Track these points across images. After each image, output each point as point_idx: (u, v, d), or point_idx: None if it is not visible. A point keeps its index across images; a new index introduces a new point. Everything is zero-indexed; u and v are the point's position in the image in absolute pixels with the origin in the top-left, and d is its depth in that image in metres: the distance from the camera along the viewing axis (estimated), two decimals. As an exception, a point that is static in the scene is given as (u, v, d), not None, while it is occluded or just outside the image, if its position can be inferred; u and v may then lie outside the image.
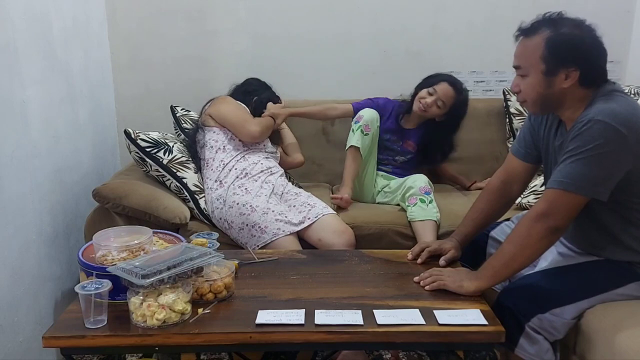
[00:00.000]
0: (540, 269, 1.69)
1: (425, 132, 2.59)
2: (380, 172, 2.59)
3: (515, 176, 1.85)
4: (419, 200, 2.31)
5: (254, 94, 2.59)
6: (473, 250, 1.88)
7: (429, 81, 2.53)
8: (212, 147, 2.38)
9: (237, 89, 2.63)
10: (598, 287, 1.59)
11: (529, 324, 1.54)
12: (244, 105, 2.51)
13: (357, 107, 2.56)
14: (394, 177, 2.57)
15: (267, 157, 2.43)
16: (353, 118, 2.51)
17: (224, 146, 2.37)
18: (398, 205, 2.46)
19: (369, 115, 2.46)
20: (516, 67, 1.61)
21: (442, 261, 1.78)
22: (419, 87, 2.54)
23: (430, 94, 2.48)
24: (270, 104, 2.53)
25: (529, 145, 1.80)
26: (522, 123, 2.10)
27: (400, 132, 2.59)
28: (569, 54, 1.53)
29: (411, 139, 2.60)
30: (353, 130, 2.47)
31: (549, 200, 1.53)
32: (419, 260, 1.82)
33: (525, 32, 1.58)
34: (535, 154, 1.80)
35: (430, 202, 2.31)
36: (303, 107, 2.64)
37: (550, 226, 1.52)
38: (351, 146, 2.45)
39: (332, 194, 2.64)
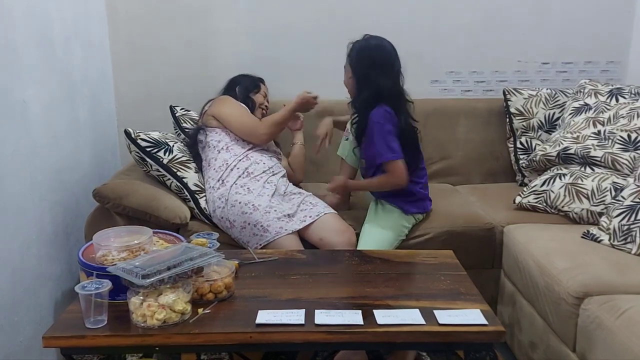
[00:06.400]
0: None
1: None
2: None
3: None
4: None
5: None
6: None
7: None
8: (214, 147, 2.37)
9: (226, 90, 2.60)
10: None
11: None
12: (244, 106, 2.51)
13: None
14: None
15: (270, 157, 2.43)
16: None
17: (227, 146, 2.36)
18: None
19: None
20: None
21: None
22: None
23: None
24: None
25: None
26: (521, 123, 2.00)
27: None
28: None
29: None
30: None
31: None
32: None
33: None
34: None
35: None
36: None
37: None
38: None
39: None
